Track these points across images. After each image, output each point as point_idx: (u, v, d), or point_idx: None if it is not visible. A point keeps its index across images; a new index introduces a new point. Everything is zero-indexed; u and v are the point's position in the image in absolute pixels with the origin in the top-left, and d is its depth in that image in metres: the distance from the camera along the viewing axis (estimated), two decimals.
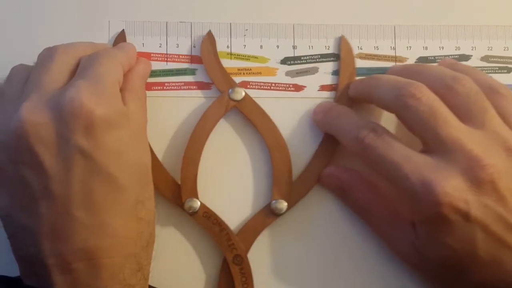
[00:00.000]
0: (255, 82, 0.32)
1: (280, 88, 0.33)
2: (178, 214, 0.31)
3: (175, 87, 0.32)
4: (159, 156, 0.31)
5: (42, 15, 0.33)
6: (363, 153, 0.29)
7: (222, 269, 0.30)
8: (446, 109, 0.27)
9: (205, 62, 0.32)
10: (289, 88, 0.33)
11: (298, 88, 0.32)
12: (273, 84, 0.33)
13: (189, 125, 0.32)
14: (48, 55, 0.28)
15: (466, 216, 0.26)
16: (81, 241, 0.25)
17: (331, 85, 0.33)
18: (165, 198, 0.30)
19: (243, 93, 0.31)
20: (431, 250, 0.28)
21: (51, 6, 0.33)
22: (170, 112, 0.32)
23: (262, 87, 0.32)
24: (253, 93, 0.32)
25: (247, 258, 0.30)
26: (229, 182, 0.32)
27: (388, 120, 0.32)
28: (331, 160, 0.31)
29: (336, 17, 0.34)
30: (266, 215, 0.31)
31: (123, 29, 0.32)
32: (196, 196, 0.30)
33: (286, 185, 0.31)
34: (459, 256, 0.27)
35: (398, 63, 0.33)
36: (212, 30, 0.32)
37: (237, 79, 0.32)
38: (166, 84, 0.32)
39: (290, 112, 0.32)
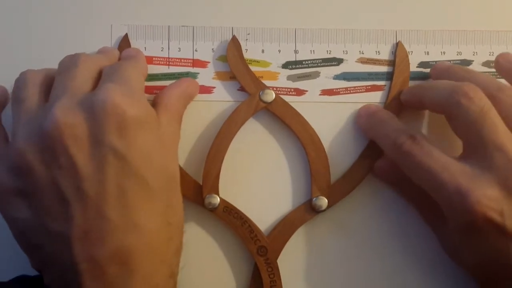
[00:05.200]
0: None
1: (282, 92, 0.33)
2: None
3: None
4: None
5: (45, 19, 0.33)
6: (401, 159, 0.29)
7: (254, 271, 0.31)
8: (496, 113, 0.27)
9: (232, 67, 0.32)
10: (291, 92, 0.33)
11: (299, 92, 0.33)
12: (274, 88, 0.33)
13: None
14: (71, 62, 0.28)
15: (500, 228, 0.26)
16: (114, 244, 0.25)
17: (332, 89, 0.32)
18: (185, 197, 0.30)
19: (274, 95, 0.31)
20: (465, 255, 0.28)
21: (54, 10, 0.33)
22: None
23: None
24: None
25: (271, 249, 0.31)
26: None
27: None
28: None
29: (338, 22, 0.34)
30: (306, 211, 0.31)
31: (126, 33, 0.32)
32: (216, 192, 0.30)
33: (325, 183, 0.31)
34: (493, 266, 0.27)
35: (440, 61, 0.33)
36: (213, 34, 0.33)
37: (239, 83, 0.32)
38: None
39: None
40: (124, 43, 0.32)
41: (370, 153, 0.32)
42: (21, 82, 0.29)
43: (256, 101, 0.31)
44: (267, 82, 0.32)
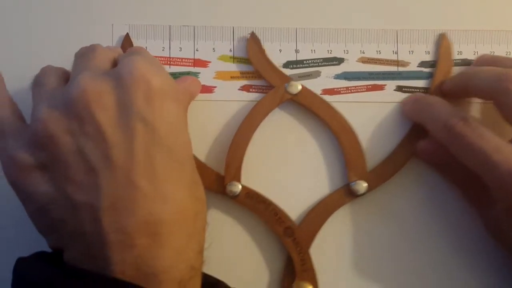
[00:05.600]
0: (257, 85, 0.33)
1: None
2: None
3: None
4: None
5: (46, 19, 0.33)
6: (452, 141, 0.29)
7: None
8: None
9: (254, 62, 0.32)
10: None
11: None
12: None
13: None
14: (89, 48, 0.28)
15: None
16: (145, 214, 0.24)
17: (333, 89, 0.33)
18: (206, 188, 0.30)
19: (300, 87, 0.32)
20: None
21: (55, 10, 0.33)
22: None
23: (264, 90, 0.33)
24: (255, 97, 0.33)
25: (297, 228, 0.31)
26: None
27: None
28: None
29: (339, 22, 0.34)
30: (344, 195, 0.32)
31: (127, 33, 0.32)
32: (238, 181, 0.31)
33: (361, 167, 0.32)
34: None
35: (459, 59, 0.33)
36: (214, 34, 0.33)
37: (240, 83, 0.32)
38: None
39: None
40: (127, 42, 0.32)
41: (412, 138, 0.32)
42: (41, 72, 0.28)
43: (281, 92, 0.32)
44: (267, 82, 0.32)
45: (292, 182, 0.32)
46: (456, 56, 0.33)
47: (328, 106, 0.32)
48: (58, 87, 0.27)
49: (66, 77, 0.28)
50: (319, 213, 0.31)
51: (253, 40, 0.32)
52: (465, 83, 0.31)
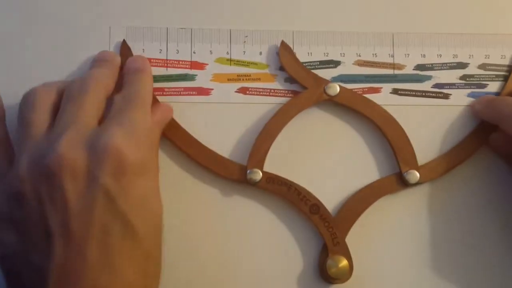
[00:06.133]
0: (254, 88, 0.33)
1: (279, 94, 0.33)
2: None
3: (175, 93, 0.33)
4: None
5: (43, 21, 0.34)
6: None
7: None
8: None
9: (287, 67, 0.33)
10: (288, 95, 0.33)
11: (296, 94, 0.33)
12: (272, 90, 0.33)
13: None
14: (80, 89, 0.29)
15: None
16: (90, 283, 0.26)
17: None
18: (229, 178, 0.32)
19: (338, 88, 0.33)
20: None
21: (53, 12, 0.34)
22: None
23: (261, 93, 0.33)
24: (252, 99, 0.33)
25: (323, 205, 0.32)
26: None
27: None
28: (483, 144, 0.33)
29: (335, 25, 0.34)
30: (395, 182, 0.33)
31: (124, 40, 0.33)
32: (260, 168, 0.32)
33: (411, 158, 0.32)
34: None
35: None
36: (212, 36, 0.33)
37: (237, 85, 0.33)
38: (166, 90, 0.33)
39: None
40: (124, 49, 0.33)
41: (475, 136, 0.33)
42: (29, 102, 0.29)
43: (317, 93, 0.33)
44: (264, 85, 0.33)
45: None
46: (451, 60, 0.34)
47: (369, 102, 0.33)
48: (43, 134, 0.28)
49: (56, 104, 0.29)
50: (365, 194, 0.32)
51: (284, 47, 0.33)
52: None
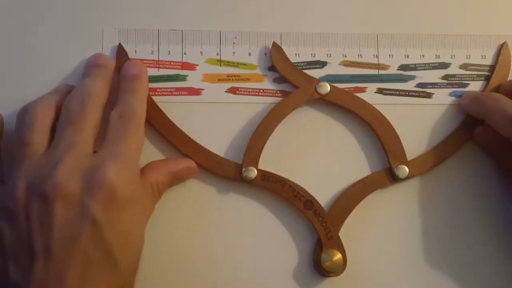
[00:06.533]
0: (244, 88, 0.34)
1: (268, 94, 0.34)
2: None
3: (167, 93, 0.33)
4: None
5: (36, 22, 0.34)
6: None
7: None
8: None
9: (279, 68, 0.34)
10: (276, 94, 0.34)
11: (285, 94, 0.34)
12: (261, 90, 0.34)
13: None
14: (79, 111, 0.29)
15: None
16: None
17: None
18: (226, 177, 0.33)
19: (329, 87, 0.33)
20: None
21: (47, 14, 0.34)
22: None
23: (250, 93, 0.34)
24: (241, 99, 0.34)
25: (316, 201, 0.32)
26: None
27: None
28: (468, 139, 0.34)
29: (322, 26, 0.35)
30: (385, 177, 0.33)
31: (120, 43, 0.33)
32: (255, 166, 0.32)
33: (401, 153, 0.33)
34: None
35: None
36: (202, 38, 0.34)
37: (226, 85, 0.33)
38: (157, 90, 0.33)
39: None
40: (121, 53, 0.33)
41: (461, 131, 0.34)
42: (28, 121, 0.29)
43: (309, 93, 0.33)
44: (253, 85, 0.34)
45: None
46: (434, 60, 0.35)
47: (359, 100, 0.34)
48: (40, 155, 0.28)
49: (54, 122, 0.29)
50: (357, 189, 0.33)
51: (276, 48, 0.34)
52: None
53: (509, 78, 0.35)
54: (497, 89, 0.35)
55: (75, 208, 0.27)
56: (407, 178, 0.33)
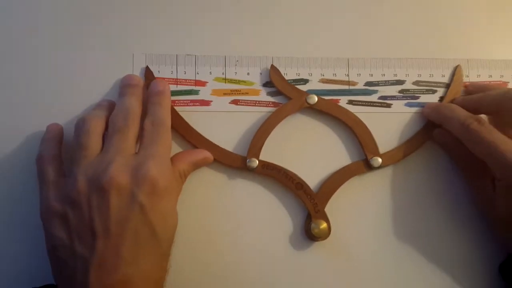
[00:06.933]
0: (243, 100, 0.38)
1: (263, 104, 0.38)
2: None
3: (183, 104, 0.38)
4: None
5: (83, 49, 0.37)
6: (467, 135, 0.34)
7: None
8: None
9: (276, 83, 0.37)
10: (269, 105, 0.38)
11: (275, 105, 0.38)
12: (257, 102, 0.38)
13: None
14: (123, 123, 0.33)
15: None
16: (121, 275, 0.29)
17: None
18: (232, 167, 0.36)
19: (316, 98, 0.37)
20: (506, 207, 0.33)
21: (90, 43, 0.37)
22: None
23: (249, 104, 0.38)
24: (242, 109, 0.37)
25: (305, 183, 0.36)
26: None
27: None
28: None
29: (304, 51, 0.39)
30: (363, 166, 0.37)
31: (148, 66, 0.37)
32: (257, 157, 0.36)
33: (375, 148, 0.37)
34: None
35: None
36: (210, 61, 0.38)
37: (230, 98, 0.37)
38: (176, 102, 0.37)
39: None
40: (148, 73, 0.37)
41: (423, 132, 0.38)
42: (85, 129, 0.33)
43: (300, 102, 0.37)
44: (251, 97, 0.37)
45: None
46: (392, 78, 0.39)
47: (341, 108, 0.37)
48: (95, 156, 0.32)
49: (104, 130, 0.33)
50: (340, 175, 0.37)
51: (273, 69, 0.38)
52: (479, 101, 0.36)
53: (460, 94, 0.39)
54: (451, 102, 0.38)
55: (126, 197, 0.30)
56: (380, 167, 0.37)
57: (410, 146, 0.38)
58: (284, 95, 0.38)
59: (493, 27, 0.42)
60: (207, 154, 0.36)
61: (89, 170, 0.31)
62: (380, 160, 0.37)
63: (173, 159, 0.35)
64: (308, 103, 0.37)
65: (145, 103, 0.36)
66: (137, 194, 0.30)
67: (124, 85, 0.36)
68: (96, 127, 0.33)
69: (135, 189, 0.30)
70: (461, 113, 0.36)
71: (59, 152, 0.34)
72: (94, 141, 0.33)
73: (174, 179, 0.33)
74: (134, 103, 0.34)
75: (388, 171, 0.38)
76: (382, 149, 0.38)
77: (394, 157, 0.38)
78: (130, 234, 0.30)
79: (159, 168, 0.31)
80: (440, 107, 0.38)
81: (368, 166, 0.37)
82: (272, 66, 0.38)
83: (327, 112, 0.38)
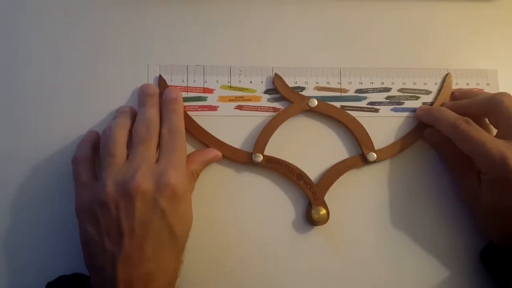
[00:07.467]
0: (247, 105, 0.40)
1: (264, 109, 0.40)
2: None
3: (193, 109, 0.40)
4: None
5: (99, 61, 0.40)
6: (457, 135, 0.36)
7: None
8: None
9: (280, 89, 0.40)
10: (270, 110, 0.40)
11: (275, 110, 0.40)
12: (259, 107, 0.40)
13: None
14: (146, 134, 0.35)
15: None
16: (144, 268, 0.32)
17: None
18: (240, 162, 0.39)
19: (316, 102, 0.40)
20: (490, 198, 0.35)
21: (107, 54, 0.40)
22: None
23: (251, 109, 0.40)
24: (245, 113, 0.40)
25: (305, 174, 0.38)
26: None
27: None
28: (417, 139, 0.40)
29: (301, 62, 0.41)
30: (360, 160, 0.39)
31: (160, 75, 0.40)
32: (262, 153, 0.39)
33: (370, 144, 0.39)
34: (509, 207, 0.34)
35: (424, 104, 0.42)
36: (217, 71, 0.40)
37: (235, 104, 0.40)
38: (187, 107, 0.40)
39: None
40: (162, 81, 0.40)
41: (415, 132, 0.40)
42: (112, 139, 0.35)
43: (302, 105, 0.40)
44: (253, 103, 0.40)
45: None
46: (380, 86, 0.41)
47: (339, 110, 0.40)
48: (122, 164, 0.34)
49: (127, 143, 0.35)
50: (338, 168, 0.39)
51: (277, 77, 0.40)
52: (467, 106, 0.38)
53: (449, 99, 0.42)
54: (441, 106, 0.41)
55: (149, 202, 0.32)
56: (375, 161, 0.39)
57: (403, 143, 0.40)
58: (287, 99, 0.40)
59: (469, 41, 0.44)
60: (216, 153, 0.39)
61: (117, 176, 0.33)
62: (375, 155, 0.39)
63: (186, 160, 0.37)
64: (309, 106, 0.40)
65: (160, 109, 0.38)
66: (159, 200, 0.33)
67: (143, 95, 0.39)
68: (121, 137, 0.36)
69: (157, 195, 0.33)
70: (451, 115, 0.38)
71: (92, 155, 0.37)
72: (120, 150, 0.35)
73: (189, 181, 0.35)
74: (153, 114, 0.37)
75: (382, 166, 0.41)
76: (374, 146, 0.40)
77: (388, 153, 0.40)
78: (152, 235, 0.32)
79: (177, 175, 0.34)
80: (432, 110, 0.40)
81: (364, 161, 0.40)
82: (276, 74, 0.40)
83: (327, 113, 0.40)
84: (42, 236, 0.38)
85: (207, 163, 0.39)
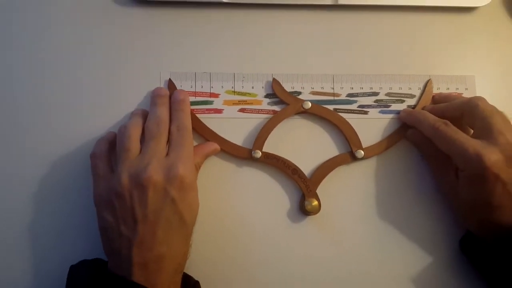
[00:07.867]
0: (249, 108, 0.43)
1: (264, 112, 0.43)
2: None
3: (201, 112, 0.43)
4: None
5: (117, 68, 0.43)
6: (436, 136, 0.38)
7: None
8: (500, 112, 0.38)
9: (278, 93, 0.43)
10: (270, 112, 0.43)
11: (275, 112, 0.43)
12: (259, 110, 0.43)
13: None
14: (157, 130, 0.37)
15: (498, 178, 0.35)
16: (156, 251, 0.34)
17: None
18: (240, 158, 0.41)
19: (310, 104, 0.42)
20: (467, 193, 0.37)
21: (123, 62, 0.43)
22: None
23: (253, 111, 0.43)
24: (248, 115, 0.43)
25: (299, 169, 0.41)
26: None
27: None
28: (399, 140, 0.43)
29: (298, 69, 0.44)
30: (349, 157, 0.42)
31: (170, 78, 0.43)
32: (261, 149, 0.41)
33: (358, 143, 0.42)
34: (484, 200, 0.36)
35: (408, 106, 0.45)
36: (222, 78, 0.43)
37: (238, 107, 0.43)
38: (194, 110, 0.43)
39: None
40: (171, 85, 0.43)
41: (398, 132, 0.43)
42: (126, 134, 0.37)
43: (297, 107, 0.42)
44: (255, 106, 0.43)
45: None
46: (368, 90, 0.44)
47: (330, 111, 0.42)
48: (136, 157, 0.36)
49: (140, 138, 0.37)
50: (329, 164, 0.41)
51: (275, 81, 0.43)
52: (445, 108, 0.41)
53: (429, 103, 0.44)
54: (423, 109, 0.43)
55: (160, 192, 0.35)
56: (362, 158, 0.42)
57: (388, 142, 0.43)
58: (284, 102, 0.43)
59: (450, 49, 0.47)
60: (215, 146, 0.42)
61: (131, 169, 0.36)
62: (362, 152, 0.42)
63: None
64: (303, 108, 0.43)
65: (170, 109, 0.41)
66: (169, 190, 0.35)
67: (155, 96, 0.42)
68: (135, 133, 0.38)
69: (168, 186, 0.35)
70: (431, 117, 0.40)
71: (109, 151, 0.39)
72: (134, 145, 0.37)
73: (195, 173, 0.38)
74: (164, 112, 0.40)
75: (369, 162, 0.43)
76: (362, 145, 0.43)
77: (374, 150, 0.43)
78: (164, 221, 0.34)
79: (185, 168, 0.36)
80: (414, 112, 0.43)
81: (353, 157, 0.43)
82: (274, 79, 0.43)
83: (319, 115, 0.43)
84: (64, 225, 0.41)
85: (207, 156, 0.41)
